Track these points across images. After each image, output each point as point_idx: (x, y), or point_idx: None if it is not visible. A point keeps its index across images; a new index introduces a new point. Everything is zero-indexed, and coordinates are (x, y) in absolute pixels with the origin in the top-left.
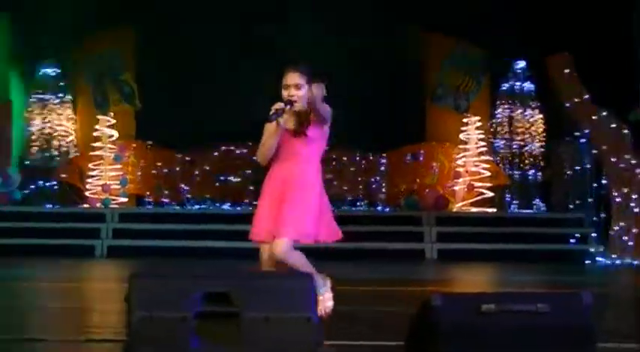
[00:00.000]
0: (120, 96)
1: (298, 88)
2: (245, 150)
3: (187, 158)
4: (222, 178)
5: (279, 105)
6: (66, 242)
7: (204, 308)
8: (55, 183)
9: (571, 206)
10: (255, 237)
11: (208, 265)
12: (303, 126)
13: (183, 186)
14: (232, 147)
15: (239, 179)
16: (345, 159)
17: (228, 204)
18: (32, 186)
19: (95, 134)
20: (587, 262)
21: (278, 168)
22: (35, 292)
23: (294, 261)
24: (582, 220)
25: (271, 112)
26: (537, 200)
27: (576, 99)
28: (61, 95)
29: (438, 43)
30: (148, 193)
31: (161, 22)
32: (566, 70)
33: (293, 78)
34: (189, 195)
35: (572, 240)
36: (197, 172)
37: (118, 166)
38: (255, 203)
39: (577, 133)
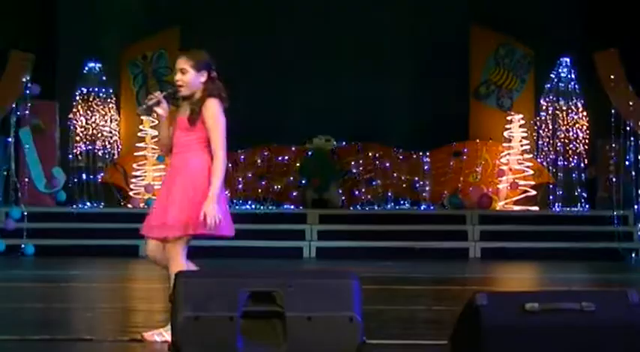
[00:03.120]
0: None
1: (183, 73)
2: (293, 152)
3: (231, 158)
4: (265, 179)
5: (154, 95)
6: (110, 242)
7: (249, 308)
8: (99, 183)
9: (616, 203)
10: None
11: (252, 265)
12: (194, 117)
13: (226, 186)
14: (276, 148)
15: (283, 179)
16: (388, 157)
17: (271, 204)
18: (76, 187)
19: (139, 134)
20: (632, 260)
21: (172, 159)
22: (81, 292)
23: (169, 271)
24: (627, 218)
25: (149, 103)
26: (582, 198)
27: (623, 96)
28: (105, 96)
29: (483, 39)
30: None
31: (207, 23)
32: (613, 67)
33: (179, 62)
34: (232, 195)
35: (617, 238)
36: (241, 173)
37: (161, 167)
38: (298, 204)
39: (623, 130)
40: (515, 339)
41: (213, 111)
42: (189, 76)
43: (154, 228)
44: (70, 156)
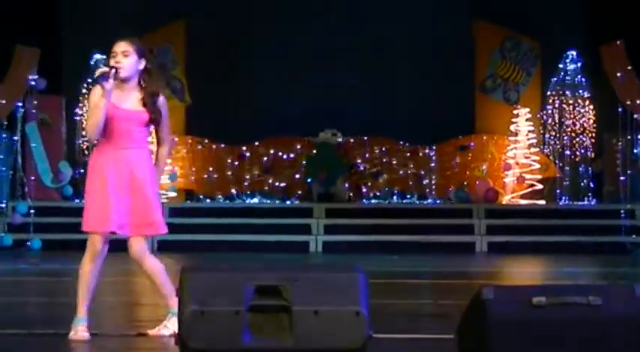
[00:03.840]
0: (170, 91)
1: (125, 56)
2: (299, 146)
3: (237, 153)
4: (271, 173)
5: (104, 68)
6: (116, 236)
7: (256, 302)
8: None
9: (623, 197)
10: (108, 228)
11: (258, 259)
12: (153, 111)
13: (232, 180)
14: (283, 142)
15: (289, 174)
16: (394, 152)
17: (278, 197)
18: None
19: None
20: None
21: (119, 153)
22: None
23: (152, 264)
24: (634, 211)
25: (96, 74)
26: (588, 192)
27: (629, 89)
28: None
29: (489, 33)
30: (197, 188)
31: (212, 17)
32: (620, 59)
33: (120, 45)
34: (238, 190)
35: (624, 232)
36: (246, 168)
37: (168, 161)
38: (304, 197)
39: (630, 124)
40: (522, 333)
41: (166, 108)
42: (130, 60)
43: (141, 226)
44: (77, 150)
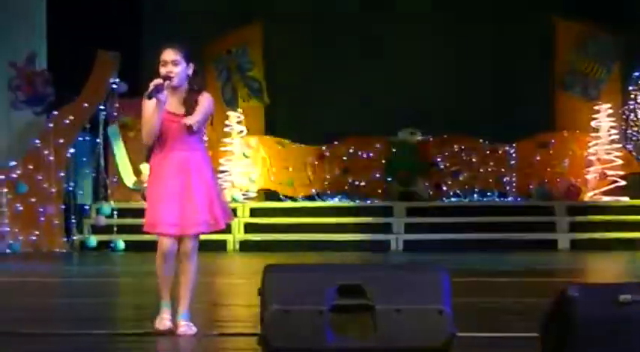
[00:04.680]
0: (248, 92)
1: (175, 65)
2: (379, 145)
3: (316, 152)
4: (351, 173)
5: (157, 80)
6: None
7: (339, 302)
8: None
9: None
10: (163, 229)
11: (339, 258)
12: (192, 110)
13: (312, 180)
14: (362, 142)
15: (369, 173)
16: (474, 149)
17: (358, 196)
18: None
19: (225, 130)
20: None
21: (174, 155)
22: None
23: (193, 268)
24: None
25: (150, 88)
26: None
27: None
28: None
29: (567, 29)
30: (277, 188)
31: (289, 17)
32: None
33: (170, 54)
34: (317, 189)
35: None
36: (327, 167)
37: (248, 161)
38: (384, 196)
39: None
40: (608, 331)
41: (210, 101)
42: (181, 68)
43: (194, 226)
44: None
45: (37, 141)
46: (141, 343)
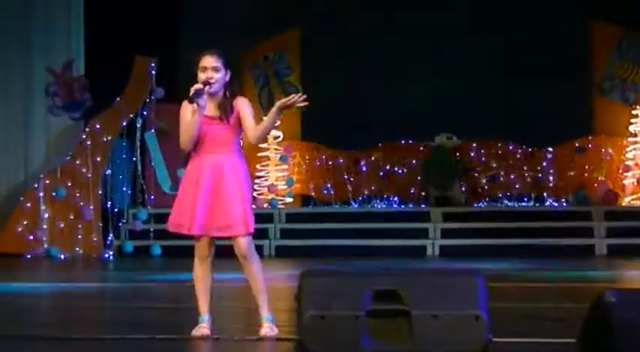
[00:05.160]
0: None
1: (216, 71)
2: (415, 150)
3: (353, 158)
4: (388, 177)
5: (198, 85)
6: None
7: (375, 307)
8: None
9: None
10: (192, 231)
11: (376, 263)
12: (227, 113)
13: (348, 185)
14: (398, 147)
15: (405, 178)
16: (510, 154)
17: (395, 201)
18: None
19: None
20: None
21: (209, 158)
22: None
23: (257, 260)
24: None
25: (191, 93)
26: None
27: None
28: None
29: (605, 33)
30: (313, 193)
31: (327, 23)
32: None
33: (210, 61)
34: (354, 195)
35: None
36: (363, 172)
37: (284, 167)
38: (421, 202)
39: None
40: None
41: (248, 104)
42: (220, 74)
43: (231, 227)
44: None
45: (71, 158)
46: (176, 349)
